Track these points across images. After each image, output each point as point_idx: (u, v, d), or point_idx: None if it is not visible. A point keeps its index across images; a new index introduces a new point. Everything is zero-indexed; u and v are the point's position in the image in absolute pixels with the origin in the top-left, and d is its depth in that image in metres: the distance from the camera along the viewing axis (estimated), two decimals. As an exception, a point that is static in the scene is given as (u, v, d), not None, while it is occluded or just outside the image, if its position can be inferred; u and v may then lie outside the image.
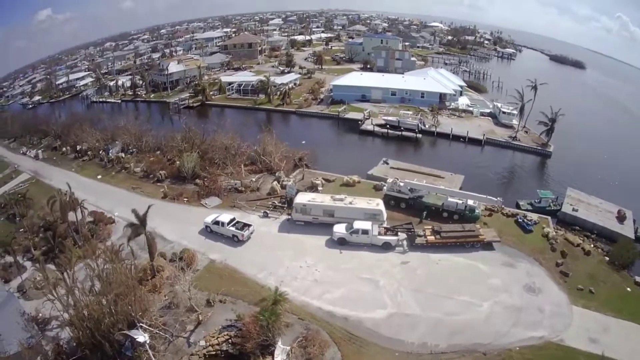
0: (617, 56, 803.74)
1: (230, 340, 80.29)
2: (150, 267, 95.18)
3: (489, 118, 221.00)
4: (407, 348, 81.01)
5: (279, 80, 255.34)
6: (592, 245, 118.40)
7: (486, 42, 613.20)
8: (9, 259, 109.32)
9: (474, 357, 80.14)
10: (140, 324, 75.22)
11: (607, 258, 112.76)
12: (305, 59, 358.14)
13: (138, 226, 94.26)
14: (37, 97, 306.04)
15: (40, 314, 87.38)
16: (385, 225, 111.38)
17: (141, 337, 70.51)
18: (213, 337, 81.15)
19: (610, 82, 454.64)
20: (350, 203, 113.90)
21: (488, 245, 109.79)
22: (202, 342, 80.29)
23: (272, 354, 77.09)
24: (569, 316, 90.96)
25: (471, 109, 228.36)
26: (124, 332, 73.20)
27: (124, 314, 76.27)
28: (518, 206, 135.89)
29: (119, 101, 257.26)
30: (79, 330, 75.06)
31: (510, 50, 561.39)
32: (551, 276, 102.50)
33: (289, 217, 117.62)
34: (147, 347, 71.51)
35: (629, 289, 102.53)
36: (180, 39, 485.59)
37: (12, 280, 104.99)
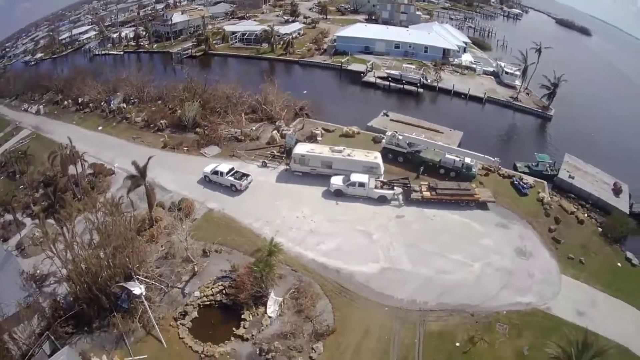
0: (622, 27, 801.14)
1: (224, 291, 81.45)
2: (149, 217, 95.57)
3: (492, 77, 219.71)
4: (396, 303, 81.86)
5: (282, 29, 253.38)
6: (586, 215, 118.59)
7: (493, 0, 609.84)
8: (9, 217, 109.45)
9: (462, 317, 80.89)
10: (137, 276, 76.44)
11: (600, 229, 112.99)
12: (310, 9, 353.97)
13: (138, 178, 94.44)
14: (39, 54, 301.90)
15: (39, 271, 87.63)
16: (382, 178, 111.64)
17: (137, 289, 71.72)
18: (207, 287, 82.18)
19: (614, 51, 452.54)
20: (349, 155, 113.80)
21: (483, 205, 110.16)
22: (197, 293, 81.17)
23: (264, 304, 78.13)
24: (558, 285, 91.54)
25: (474, 66, 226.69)
26: (121, 284, 74.05)
27: (121, 267, 76.91)
28: (515, 168, 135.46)
29: (122, 53, 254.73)
30: (76, 285, 75.53)
31: (517, 11, 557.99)
32: (543, 241, 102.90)
33: (287, 167, 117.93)
34: (143, 298, 72.18)
35: (619, 263, 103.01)
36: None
37: (10, 238, 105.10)
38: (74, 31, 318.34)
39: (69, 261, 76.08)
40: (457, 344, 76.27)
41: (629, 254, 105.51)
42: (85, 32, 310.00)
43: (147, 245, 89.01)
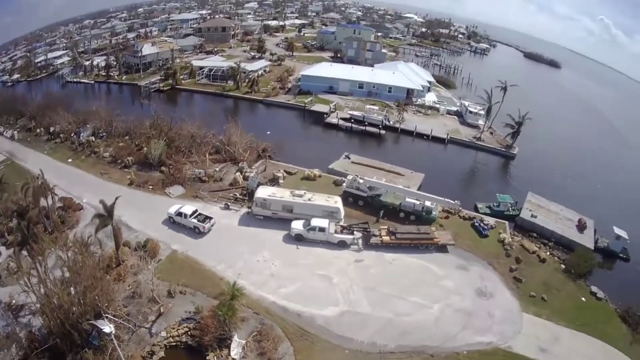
0: (597, 58, 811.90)
1: (189, 333, 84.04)
2: (115, 256, 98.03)
3: (455, 117, 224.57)
4: (356, 346, 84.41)
5: (249, 66, 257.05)
6: (548, 253, 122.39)
7: (460, 35, 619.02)
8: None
9: (422, 358, 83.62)
10: (106, 315, 78.83)
11: (563, 266, 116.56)
12: (277, 45, 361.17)
13: (106, 217, 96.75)
14: (16, 75, 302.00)
15: (14, 301, 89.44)
16: (342, 223, 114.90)
17: (107, 327, 73.74)
18: (173, 328, 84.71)
19: (585, 84, 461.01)
20: (309, 200, 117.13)
21: (443, 248, 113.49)
22: (163, 333, 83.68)
23: (228, 347, 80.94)
24: (519, 323, 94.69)
25: (438, 106, 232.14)
26: (91, 322, 76.11)
27: (91, 305, 79.44)
28: (476, 209, 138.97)
29: (92, 82, 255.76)
30: (50, 320, 78.06)
31: (484, 46, 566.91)
32: (504, 281, 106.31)
33: (249, 210, 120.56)
34: (113, 337, 74.69)
35: (583, 298, 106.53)
36: (157, 19, 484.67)
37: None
38: (50, 55, 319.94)
39: (43, 296, 78.49)
40: (418, 386, 78.35)
41: (594, 288, 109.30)
42: (60, 56, 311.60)
43: (115, 284, 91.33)
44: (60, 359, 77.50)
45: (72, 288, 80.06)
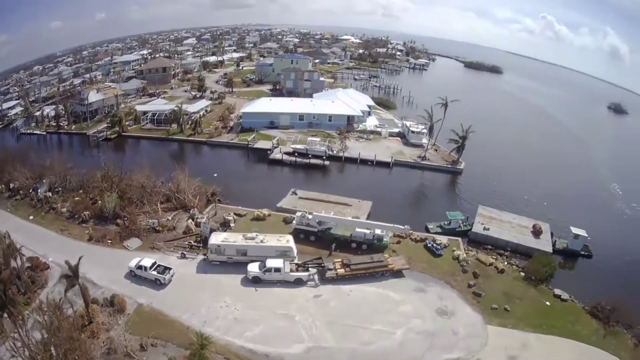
0: (541, 57, 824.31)
1: None
2: (87, 315, 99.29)
3: (398, 138, 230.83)
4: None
5: (190, 108, 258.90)
6: (506, 263, 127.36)
7: (398, 53, 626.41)
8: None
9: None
10: None
11: (522, 274, 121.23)
12: (217, 82, 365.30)
13: (72, 277, 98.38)
14: None
15: None
16: (296, 261, 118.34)
17: None
18: None
19: (528, 86, 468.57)
20: (262, 241, 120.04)
21: (398, 273, 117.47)
22: None
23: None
24: (484, 336, 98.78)
25: (379, 129, 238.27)
26: None
27: None
28: (427, 230, 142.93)
29: (44, 133, 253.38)
30: None
31: (423, 61, 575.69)
32: (463, 298, 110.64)
33: (205, 257, 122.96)
34: None
35: (548, 302, 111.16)
36: (100, 62, 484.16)
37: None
38: (4, 105, 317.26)
39: (28, 358, 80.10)
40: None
41: (558, 291, 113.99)
42: (13, 107, 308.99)
43: (90, 342, 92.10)
44: None
45: (52, 349, 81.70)
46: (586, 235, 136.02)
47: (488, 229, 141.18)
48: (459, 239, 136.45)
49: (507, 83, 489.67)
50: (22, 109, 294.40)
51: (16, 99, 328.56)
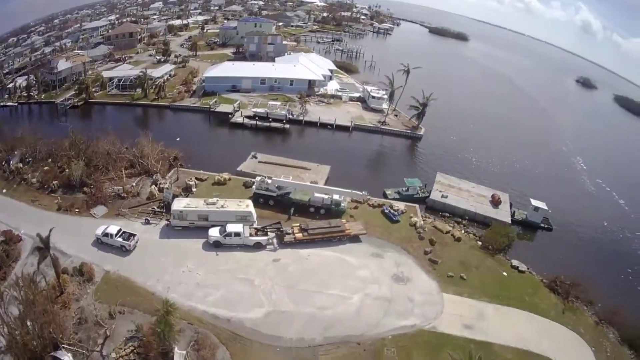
0: (510, 27, 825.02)
1: (135, 351, 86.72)
2: (58, 285, 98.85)
3: (358, 103, 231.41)
4: (286, 343, 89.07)
5: (155, 73, 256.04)
6: (463, 232, 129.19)
7: (363, 17, 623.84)
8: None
9: (349, 347, 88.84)
10: (62, 345, 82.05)
11: (479, 243, 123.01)
12: (182, 45, 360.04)
13: (44, 250, 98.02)
14: None
15: None
16: (255, 225, 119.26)
17: (66, 357, 78.14)
18: (121, 349, 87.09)
19: (494, 53, 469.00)
20: (222, 206, 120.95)
21: (355, 238, 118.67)
22: (113, 355, 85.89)
23: (172, 359, 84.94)
24: (440, 303, 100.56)
25: (340, 94, 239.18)
26: (52, 354, 79.79)
27: (49, 338, 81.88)
28: (385, 196, 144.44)
29: (16, 104, 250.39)
30: (18, 358, 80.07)
31: (387, 25, 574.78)
32: (420, 265, 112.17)
33: (168, 222, 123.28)
34: None
35: (505, 273, 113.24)
36: (70, 30, 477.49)
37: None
38: None
39: (7, 335, 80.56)
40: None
41: (515, 262, 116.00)
42: None
43: (62, 312, 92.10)
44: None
45: (29, 323, 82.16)
46: (546, 208, 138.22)
47: (446, 197, 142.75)
48: (417, 205, 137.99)
49: (473, 50, 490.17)
50: None
51: None
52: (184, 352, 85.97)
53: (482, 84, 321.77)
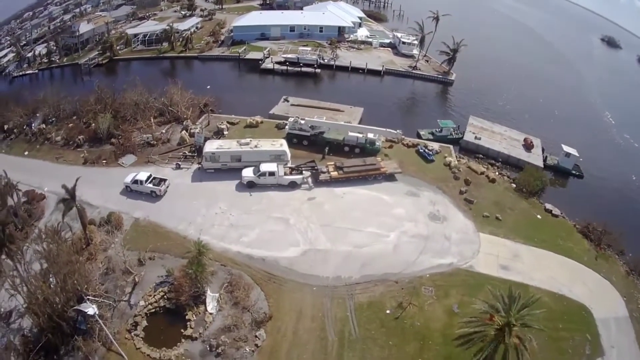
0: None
1: (165, 296, 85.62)
2: (84, 237, 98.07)
3: (389, 49, 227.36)
4: (322, 282, 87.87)
5: (181, 26, 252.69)
6: (497, 173, 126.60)
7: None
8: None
9: (386, 285, 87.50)
10: (87, 297, 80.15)
11: (513, 185, 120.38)
12: (206, 0, 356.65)
13: (69, 200, 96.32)
14: None
15: (2, 309, 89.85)
16: (290, 164, 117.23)
17: (90, 309, 76.08)
18: (150, 295, 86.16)
19: (520, 8, 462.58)
20: (256, 146, 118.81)
21: (390, 177, 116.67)
22: (142, 302, 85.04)
23: (204, 302, 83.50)
24: (477, 243, 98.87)
25: (370, 40, 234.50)
26: (75, 307, 77.95)
27: (72, 291, 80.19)
28: (419, 136, 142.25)
29: (37, 71, 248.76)
30: (38, 317, 78.25)
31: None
32: (455, 204, 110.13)
33: (200, 166, 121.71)
34: (97, 317, 76.62)
35: (539, 216, 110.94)
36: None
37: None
38: None
39: (28, 294, 79.19)
40: (388, 312, 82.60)
41: (549, 206, 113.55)
42: (5, 55, 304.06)
43: (88, 264, 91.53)
44: (55, 353, 78.63)
45: (51, 278, 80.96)
46: (577, 155, 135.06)
47: (479, 139, 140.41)
48: (450, 146, 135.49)
49: (499, 3, 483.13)
50: (15, 54, 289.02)
51: (8, 47, 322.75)
52: (217, 294, 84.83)
53: (509, 36, 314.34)
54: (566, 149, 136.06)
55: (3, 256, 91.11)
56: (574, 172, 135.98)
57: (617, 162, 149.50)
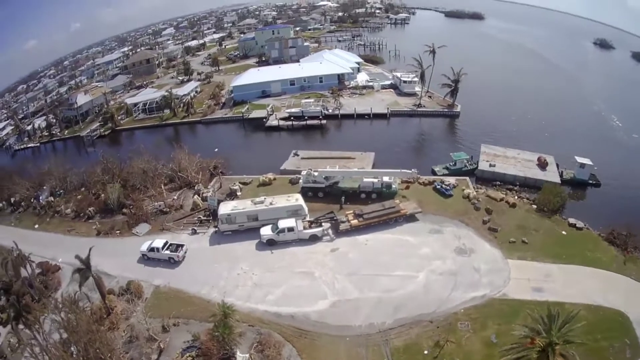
0: (521, 0, 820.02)
1: None
2: (104, 306, 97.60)
3: (391, 90, 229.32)
4: (355, 331, 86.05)
5: (180, 91, 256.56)
6: (516, 197, 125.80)
7: (377, 11, 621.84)
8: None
9: (421, 326, 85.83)
10: None
11: (534, 206, 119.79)
12: (202, 63, 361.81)
13: (85, 270, 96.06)
14: None
15: None
16: (308, 218, 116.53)
17: None
18: None
19: (511, 28, 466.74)
20: (271, 204, 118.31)
21: (411, 217, 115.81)
22: None
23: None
24: (507, 270, 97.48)
25: (371, 83, 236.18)
26: None
27: (95, 359, 79.42)
28: (434, 173, 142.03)
29: (38, 144, 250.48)
30: None
31: (404, 15, 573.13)
32: (480, 235, 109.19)
33: (216, 229, 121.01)
34: None
35: (564, 232, 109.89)
36: (83, 67, 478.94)
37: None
38: None
39: None
40: (425, 352, 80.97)
41: (572, 220, 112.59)
42: (3, 128, 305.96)
43: (110, 333, 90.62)
44: None
45: (72, 347, 79.73)
46: (591, 164, 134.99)
47: (494, 166, 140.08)
48: (467, 178, 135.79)
49: (490, 27, 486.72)
50: (13, 127, 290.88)
51: (5, 120, 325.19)
52: (247, 355, 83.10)
53: (505, 57, 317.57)
54: (580, 159, 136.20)
55: (21, 326, 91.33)
56: (590, 181, 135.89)
57: (630, 163, 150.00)
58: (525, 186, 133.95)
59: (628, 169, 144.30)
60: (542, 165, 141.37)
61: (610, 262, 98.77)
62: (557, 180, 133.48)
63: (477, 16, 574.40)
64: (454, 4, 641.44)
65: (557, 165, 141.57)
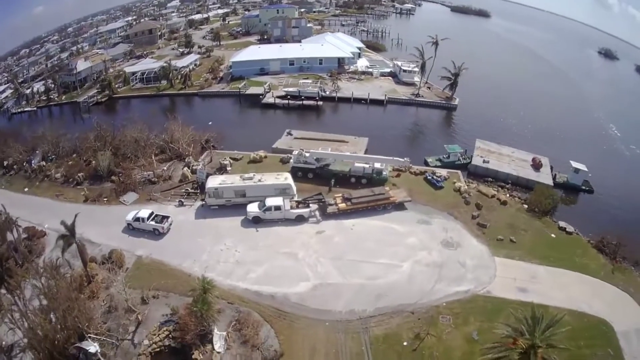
0: (528, 2, 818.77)
1: (170, 335, 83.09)
2: (85, 274, 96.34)
3: (390, 78, 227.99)
4: (335, 317, 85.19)
5: (179, 63, 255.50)
6: (507, 195, 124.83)
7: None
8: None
9: (402, 317, 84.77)
10: (89, 335, 78.16)
11: (525, 206, 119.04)
12: (204, 37, 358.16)
13: (69, 237, 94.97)
14: None
15: (4, 342, 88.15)
16: (296, 198, 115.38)
17: (92, 347, 74.29)
18: (154, 334, 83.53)
19: (516, 28, 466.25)
20: (260, 181, 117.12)
21: (400, 206, 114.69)
22: (146, 341, 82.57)
23: (211, 341, 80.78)
24: (493, 267, 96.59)
25: (371, 70, 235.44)
26: (76, 345, 75.98)
27: (73, 328, 78.34)
28: (426, 163, 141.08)
29: (35, 108, 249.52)
30: (39, 352, 76.57)
31: (409, 6, 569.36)
32: (468, 229, 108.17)
33: (203, 202, 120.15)
34: (99, 356, 74.50)
35: (553, 235, 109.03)
36: (86, 35, 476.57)
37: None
38: None
39: (28, 330, 77.23)
40: (405, 343, 79.96)
41: (562, 223, 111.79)
42: (3, 91, 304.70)
43: (90, 301, 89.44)
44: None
45: (51, 314, 79.11)
46: (586, 169, 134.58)
47: (488, 162, 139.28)
48: (459, 171, 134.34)
49: (496, 25, 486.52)
50: (12, 90, 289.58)
51: (5, 84, 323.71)
52: (224, 332, 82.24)
53: (509, 56, 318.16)
54: (575, 164, 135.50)
55: (3, 291, 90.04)
56: (583, 187, 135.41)
57: (625, 174, 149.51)
58: (518, 185, 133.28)
59: (623, 179, 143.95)
60: (537, 166, 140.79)
61: (598, 270, 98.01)
62: (550, 182, 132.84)
63: (483, 13, 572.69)
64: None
65: (551, 168, 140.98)
